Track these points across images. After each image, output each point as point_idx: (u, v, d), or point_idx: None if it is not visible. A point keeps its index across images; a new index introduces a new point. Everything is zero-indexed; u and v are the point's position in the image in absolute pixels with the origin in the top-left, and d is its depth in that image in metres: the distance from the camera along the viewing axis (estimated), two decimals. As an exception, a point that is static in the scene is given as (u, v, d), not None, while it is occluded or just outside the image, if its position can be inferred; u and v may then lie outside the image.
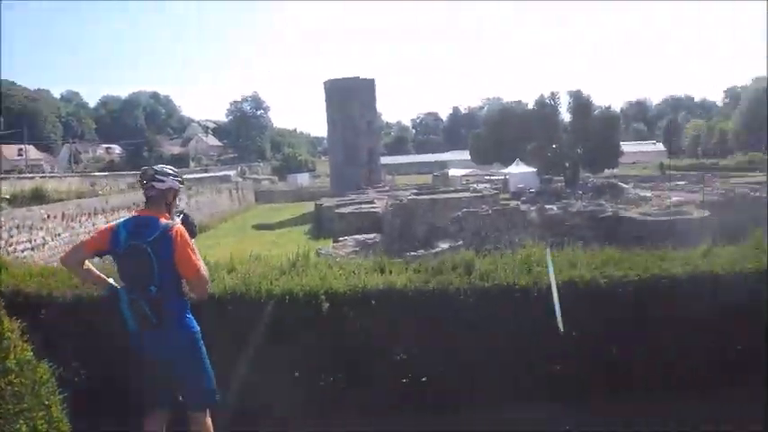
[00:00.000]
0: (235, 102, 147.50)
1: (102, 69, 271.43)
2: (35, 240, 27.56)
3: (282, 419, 6.57)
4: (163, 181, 5.55)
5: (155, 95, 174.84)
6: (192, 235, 5.60)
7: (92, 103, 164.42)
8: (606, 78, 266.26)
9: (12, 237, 25.65)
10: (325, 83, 79.66)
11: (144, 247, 5.20)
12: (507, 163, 69.49)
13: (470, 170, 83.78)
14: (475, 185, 56.20)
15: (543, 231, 25.77)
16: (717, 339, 7.35)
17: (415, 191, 49.34)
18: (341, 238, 27.54)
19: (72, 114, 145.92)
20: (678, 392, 7.07)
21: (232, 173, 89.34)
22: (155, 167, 5.69)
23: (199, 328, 5.55)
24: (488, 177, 72.92)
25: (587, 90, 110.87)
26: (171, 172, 5.69)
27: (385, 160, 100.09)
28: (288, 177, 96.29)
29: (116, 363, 6.07)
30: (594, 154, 67.92)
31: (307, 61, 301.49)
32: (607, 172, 71.97)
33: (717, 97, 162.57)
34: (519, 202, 39.08)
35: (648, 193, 43.60)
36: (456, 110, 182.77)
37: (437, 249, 20.25)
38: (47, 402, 4.43)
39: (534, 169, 64.71)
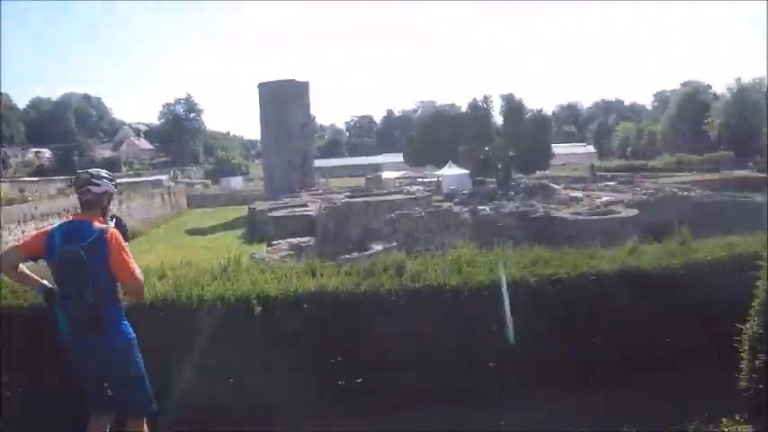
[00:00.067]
0: (167, 104, 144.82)
1: (32, 69, 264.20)
2: (-38, 251, 26.56)
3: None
4: (99, 185, 5.50)
5: (86, 97, 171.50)
6: (125, 239, 5.52)
7: (21, 105, 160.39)
8: (538, 82, 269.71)
9: (-64, 247, 24.72)
10: (259, 85, 78.94)
11: (78, 251, 5.13)
12: (440, 165, 69.82)
13: (404, 172, 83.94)
14: (408, 187, 56.26)
15: (476, 232, 25.95)
16: (645, 335, 7.50)
17: (348, 193, 49.26)
18: (275, 242, 27.31)
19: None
20: (601, 388, 7.20)
21: (164, 177, 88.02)
22: (90, 171, 5.65)
23: (135, 335, 5.49)
24: (421, 179, 73.07)
25: (519, 94, 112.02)
26: (106, 176, 5.64)
27: (319, 163, 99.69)
28: (221, 181, 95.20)
29: (53, 370, 6.01)
30: (526, 156, 68.82)
31: (240, 63, 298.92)
32: (539, 173, 72.87)
33: (646, 101, 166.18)
34: (452, 204, 39.26)
35: (579, 194, 44.13)
36: (390, 113, 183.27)
37: (371, 251, 20.21)
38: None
39: (467, 171, 65.14)
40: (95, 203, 5.49)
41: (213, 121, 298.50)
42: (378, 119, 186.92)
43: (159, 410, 5.71)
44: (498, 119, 76.72)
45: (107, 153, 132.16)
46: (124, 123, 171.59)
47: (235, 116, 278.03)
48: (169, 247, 35.30)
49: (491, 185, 59.69)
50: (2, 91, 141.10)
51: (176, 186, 77.21)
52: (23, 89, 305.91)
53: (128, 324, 5.49)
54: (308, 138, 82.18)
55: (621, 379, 7.33)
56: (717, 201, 33.42)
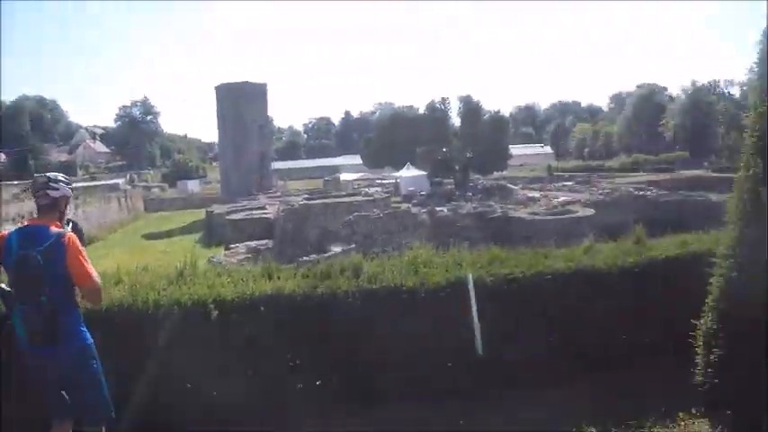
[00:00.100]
0: (124, 106, 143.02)
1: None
2: None
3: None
4: (57, 189, 5.45)
5: (41, 100, 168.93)
6: (81, 244, 5.43)
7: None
8: (496, 84, 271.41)
9: None
10: (216, 87, 78.62)
11: (35, 255, 5.07)
12: (398, 167, 69.88)
13: (362, 174, 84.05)
14: (366, 189, 56.35)
15: (434, 233, 26.01)
16: (601, 333, 7.55)
17: (306, 195, 49.19)
18: (233, 246, 27.16)
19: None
20: (558, 386, 7.25)
21: (121, 181, 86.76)
22: (47, 175, 5.58)
23: (93, 340, 5.43)
24: (380, 181, 73.23)
25: (477, 95, 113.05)
26: (63, 179, 5.58)
27: (277, 165, 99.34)
28: (178, 184, 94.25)
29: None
30: (484, 157, 69.15)
31: (197, 65, 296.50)
32: (496, 174, 73.29)
33: (603, 102, 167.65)
34: (410, 205, 39.35)
35: (536, 194, 44.48)
36: (348, 114, 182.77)
37: (330, 253, 20.14)
38: None
39: (425, 172, 65.27)
40: (53, 208, 5.44)
41: (170, 124, 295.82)
42: (336, 120, 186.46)
43: (116, 416, 5.62)
44: (456, 120, 77.22)
45: (63, 157, 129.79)
46: (80, 126, 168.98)
47: (192, 118, 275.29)
48: (126, 251, 34.90)
49: (449, 186, 59.90)
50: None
51: (133, 190, 76.20)
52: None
53: (85, 329, 5.43)
54: (266, 140, 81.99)
55: (578, 377, 7.37)
56: (672, 200, 33.94)
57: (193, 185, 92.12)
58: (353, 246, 23.15)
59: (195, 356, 6.57)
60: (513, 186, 51.05)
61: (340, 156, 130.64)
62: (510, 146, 78.02)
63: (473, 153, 69.26)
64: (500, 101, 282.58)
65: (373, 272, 7.47)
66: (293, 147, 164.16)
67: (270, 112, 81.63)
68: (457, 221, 29.24)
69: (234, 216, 38.06)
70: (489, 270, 7.52)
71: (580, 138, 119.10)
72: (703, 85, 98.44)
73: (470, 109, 73.91)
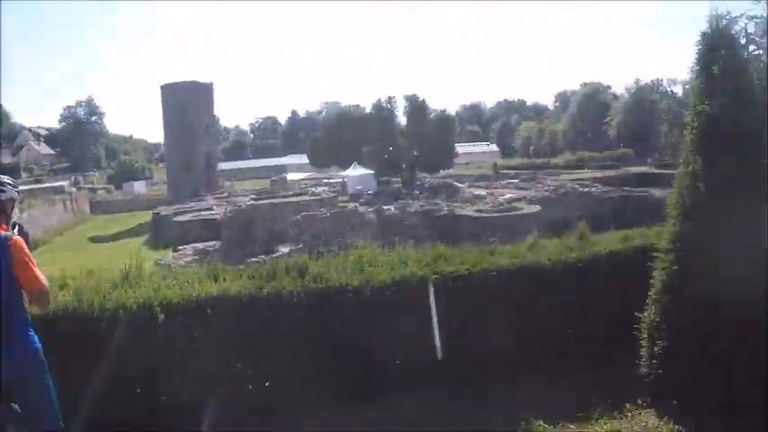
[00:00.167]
0: (68, 107, 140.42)
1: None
2: None
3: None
4: (4, 191, 5.32)
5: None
6: (27, 247, 5.30)
7: None
8: (442, 83, 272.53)
9: None
10: (162, 86, 77.84)
11: None
12: (345, 166, 69.97)
13: (309, 174, 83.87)
14: (313, 189, 56.20)
15: (381, 232, 26.04)
16: (547, 327, 7.64)
17: (254, 196, 48.89)
18: (180, 247, 26.91)
19: None
20: (504, 381, 7.32)
21: (66, 183, 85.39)
22: None
23: (40, 345, 5.28)
24: (327, 180, 73.07)
25: (423, 94, 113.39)
26: (9, 182, 5.45)
27: (223, 166, 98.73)
28: (124, 186, 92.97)
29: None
30: (430, 155, 69.63)
31: (143, 65, 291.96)
32: (443, 172, 73.78)
33: (548, 101, 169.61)
34: (357, 204, 39.29)
35: (483, 192, 44.70)
36: (295, 114, 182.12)
37: (277, 254, 20.08)
38: None
39: (372, 171, 65.40)
40: (0, 211, 5.31)
41: (116, 125, 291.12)
42: (282, 120, 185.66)
43: (64, 425, 5.51)
44: (402, 119, 77.65)
45: (6, 159, 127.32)
46: (24, 127, 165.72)
47: (138, 119, 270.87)
48: (72, 255, 34.29)
49: (396, 185, 60.00)
50: None
51: (78, 192, 75.05)
52: None
53: (34, 334, 5.29)
54: (212, 139, 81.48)
55: (524, 372, 7.44)
56: (616, 196, 34.39)
57: (140, 187, 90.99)
58: (301, 246, 23.11)
59: (142, 360, 6.50)
60: (459, 184, 51.31)
61: (287, 155, 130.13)
62: (456, 144, 78.77)
63: (420, 151, 69.62)
64: (446, 100, 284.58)
65: (318, 271, 7.47)
66: (240, 147, 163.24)
67: (216, 112, 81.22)
68: (404, 220, 29.29)
69: (181, 218, 37.62)
70: (434, 268, 7.56)
71: (526, 136, 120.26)
72: (647, 83, 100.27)
73: (416, 108, 74.50)
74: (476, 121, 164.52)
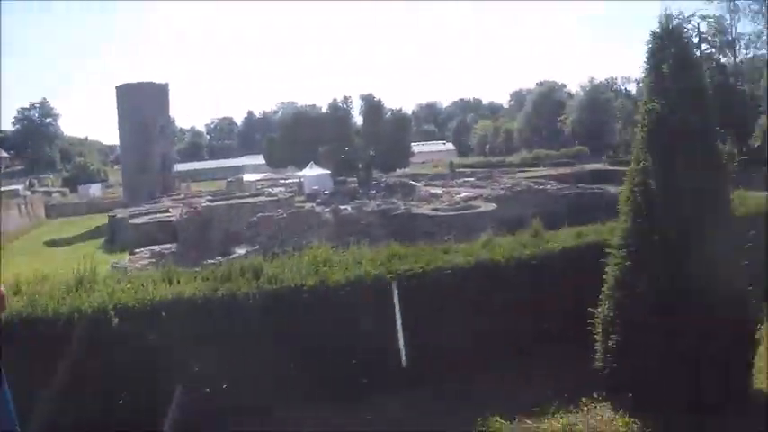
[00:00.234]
0: (22, 109, 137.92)
1: None
2: None
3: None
4: None
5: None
6: None
7: None
8: (398, 82, 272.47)
9: None
10: (117, 87, 76.83)
11: None
12: (302, 166, 69.68)
13: (265, 174, 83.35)
14: (270, 189, 55.92)
15: (338, 232, 26.02)
16: (502, 323, 7.70)
17: (210, 197, 48.52)
18: (137, 250, 26.61)
19: None
20: (461, 377, 7.37)
21: (20, 186, 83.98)
22: None
23: None
24: (283, 181, 72.70)
25: (379, 94, 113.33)
26: None
27: (179, 167, 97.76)
28: (79, 189, 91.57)
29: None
30: (387, 155, 69.71)
31: (96, 65, 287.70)
32: (399, 172, 73.79)
33: (503, 100, 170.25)
34: (314, 204, 39.21)
35: (439, 190, 44.79)
36: (250, 114, 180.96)
37: (234, 255, 19.94)
38: None
39: (328, 171, 65.24)
40: None
41: (70, 127, 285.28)
42: (238, 121, 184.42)
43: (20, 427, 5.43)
44: (358, 119, 77.63)
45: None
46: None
47: (92, 120, 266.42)
48: (28, 260, 33.71)
49: (352, 185, 59.96)
50: None
51: (33, 196, 73.79)
52: None
53: None
54: (168, 140, 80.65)
55: (480, 368, 7.49)
56: (571, 193, 34.73)
57: (95, 189, 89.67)
58: (257, 247, 22.97)
59: (98, 363, 6.44)
60: (415, 183, 51.38)
61: (243, 156, 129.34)
62: (412, 143, 78.95)
63: (376, 151, 69.70)
64: (402, 99, 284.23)
65: (273, 273, 7.46)
66: (196, 148, 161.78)
67: (172, 113, 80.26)
68: (361, 220, 29.28)
69: (137, 220, 37.18)
70: (389, 267, 7.58)
71: (481, 134, 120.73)
72: (601, 82, 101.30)
73: (372, 107, 74.51)
74: (432, 120, 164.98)
